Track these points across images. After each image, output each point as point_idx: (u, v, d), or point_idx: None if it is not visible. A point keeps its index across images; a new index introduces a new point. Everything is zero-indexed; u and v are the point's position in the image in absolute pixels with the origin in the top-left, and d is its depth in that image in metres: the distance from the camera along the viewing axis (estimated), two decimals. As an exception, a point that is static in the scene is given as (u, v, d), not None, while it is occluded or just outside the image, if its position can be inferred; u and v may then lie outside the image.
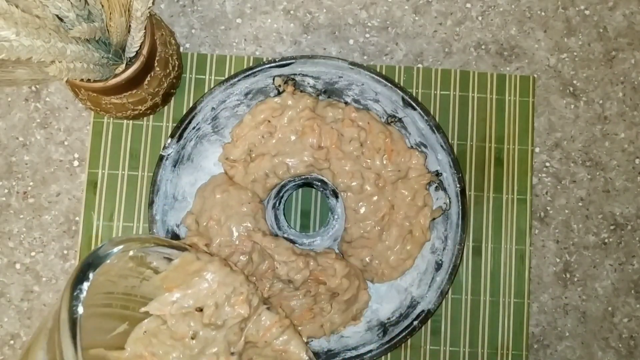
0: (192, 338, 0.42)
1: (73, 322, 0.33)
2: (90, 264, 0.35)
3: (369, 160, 0.52)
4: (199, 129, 0.52)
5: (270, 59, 0.53)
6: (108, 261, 0.36)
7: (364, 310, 0.53)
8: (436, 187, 0.53)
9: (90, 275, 0.35)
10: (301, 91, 0.52)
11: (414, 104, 0.51)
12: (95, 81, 0.45)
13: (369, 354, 0.51)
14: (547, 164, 0.59)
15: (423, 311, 0.51)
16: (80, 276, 0.34)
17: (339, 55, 0.58)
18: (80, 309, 0.33)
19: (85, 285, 0.34)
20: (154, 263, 0.42)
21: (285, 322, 0.45)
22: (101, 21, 0.44)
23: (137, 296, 0.42)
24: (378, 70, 0.57)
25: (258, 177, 0.52)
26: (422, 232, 0.52)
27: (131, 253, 0.40)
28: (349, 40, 0.59)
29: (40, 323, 0.55)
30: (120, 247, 0.37)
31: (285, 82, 0.52)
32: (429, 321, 0.54)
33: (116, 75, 0.46)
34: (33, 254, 0.56)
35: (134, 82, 0.49)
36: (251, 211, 0.51)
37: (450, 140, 0.54)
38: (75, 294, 0.34)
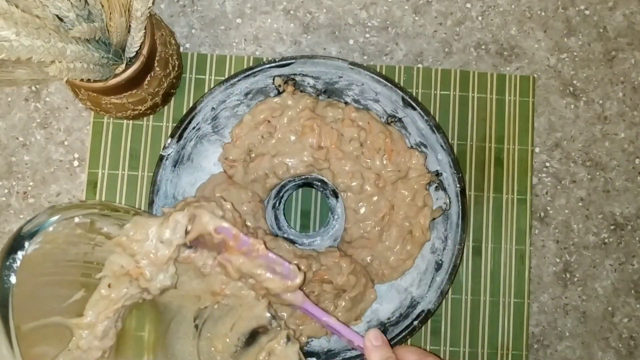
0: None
1: (3, 292, 0.31)
2: (24, 233, 0.33)
3: (369, 161, 0.52)
4: (199, 129, 0.51)
5: (270, 59, 0.53)
6: (51, 229, 0.34)
7: (366, 310, 0.53)
8: (436, 187, 0.53)
9: (26, 244, 0.33)
10: (301, 91, 0.52)
11: (414, 104, 0.51)
12: (95, 81, 0.45)
13: (369, 354, 0.50)
14: (547, 164, 0.59)
15: (423, 311, 0.51)
16: (14, 245, 0.32)
17: (339, 55, 0.58)
18: (13, 279, 0.31)
19: (20, 254, 0.32)
20: (104, 229, 0.40)
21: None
22: (101, 21, 0.44)
23: (92, 263, 0.41)
24: (378, 70, 0.57)
25: (258, 177, 0.52)
26: (422, 232, 0.52)
27: (77, 220, 0.38)
28: (349, 40, 0.59)
29: None
30: (59, 215, 0.36)
31: (285, 82, 0.52)
32: (429, 321, 0.54)
33: (116, 75, 0.46)
34: (33, 254, 0.56)
35: (134, 82, 0.49)
36: (251, 210, 0.51)
37: (450, 140, 0.54)
38: (7, 263, 0.32)
